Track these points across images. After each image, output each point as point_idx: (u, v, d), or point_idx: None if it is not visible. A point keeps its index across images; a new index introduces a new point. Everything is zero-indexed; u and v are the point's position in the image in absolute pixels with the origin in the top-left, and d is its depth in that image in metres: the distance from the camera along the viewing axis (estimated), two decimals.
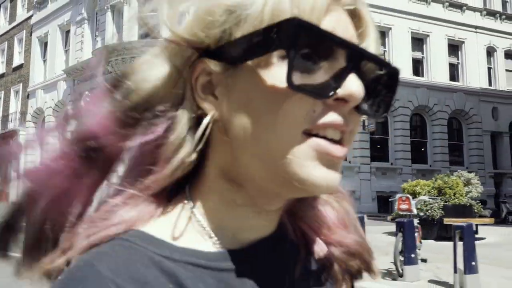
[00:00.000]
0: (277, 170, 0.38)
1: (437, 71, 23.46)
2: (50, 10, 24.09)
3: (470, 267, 4.93)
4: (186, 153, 0.41)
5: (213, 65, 0.40)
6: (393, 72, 0.43)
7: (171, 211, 0.43)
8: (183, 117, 0.41)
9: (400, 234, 5.59)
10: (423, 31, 23.47)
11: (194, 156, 0.41)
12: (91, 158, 0.42)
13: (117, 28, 19.21)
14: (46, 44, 24.27)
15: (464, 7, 24.85)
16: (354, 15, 0.42)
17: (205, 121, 0.40)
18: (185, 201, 0.43)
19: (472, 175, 11.58)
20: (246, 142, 0.39)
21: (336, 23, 0.39)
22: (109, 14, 19.27)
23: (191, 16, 0.41)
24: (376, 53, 0.42)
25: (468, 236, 4.97)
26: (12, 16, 28.31)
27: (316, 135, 0.38)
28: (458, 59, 24.71)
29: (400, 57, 22.54)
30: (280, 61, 0.37)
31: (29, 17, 25.94)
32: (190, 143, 0.41)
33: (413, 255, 5.45)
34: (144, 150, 0.41)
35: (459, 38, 24.40)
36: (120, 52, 17.97)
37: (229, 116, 0.40)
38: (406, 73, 22.56)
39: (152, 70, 0.42)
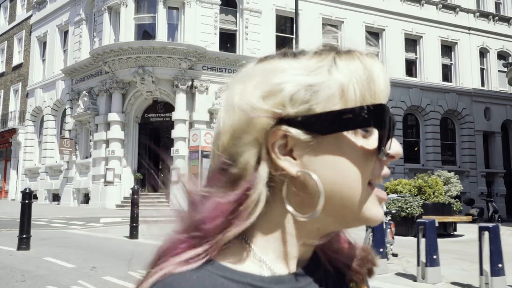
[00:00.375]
0: (346, 214, 0.48)
1: (430, 72, 23.79)
2: (49, 11, 24.40)
3: (431, 260, 5.29)
4: (262, 206, 0.47)
5: (295, 132, 0.46)
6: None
7: (231, 244, 0.48)
8: (262, 175, 0.46)
9: (370, 230, 5.97)
10: (416, 33, 23.79)
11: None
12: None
13: (114, 29, 19.54)
14: (45, 44, 24.59)
15: (458, 9, 25.15)
16: None
17: (314, 177, 0.47)
18: (242, 241, 0.49)
19: (451, 174, 11.91)
20: (331, 192, 0.47)
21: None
22: (106, 15, 19.58)
23: (276, 92, 0.46)
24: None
25: (430, 232, 5.33)
26: (12, 16, 28.63)
27: (374, 183, 0.49)
28: (451, 60, 25.03)
29: (393, 58, 22.84)
30: (365, 132, 0.47)
31: (29, 17, 26.24)
32: (265, 197, 0.47)
33: (381, 250, 5.82)
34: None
35: (452, 39, 24.72)
36: (117, 53, 18.30)
37: (310, 174, 0.47)
38: (399, 73, 22.89)
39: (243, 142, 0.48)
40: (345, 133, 0.47)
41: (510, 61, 22.95)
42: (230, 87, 0.50)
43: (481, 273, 4.91)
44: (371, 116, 0.46)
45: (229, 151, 0.48)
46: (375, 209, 0.49)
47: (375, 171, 0.49)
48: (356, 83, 0.47)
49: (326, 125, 0.46)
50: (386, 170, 0.50)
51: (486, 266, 4.82)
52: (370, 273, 0.59)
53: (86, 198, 19.89)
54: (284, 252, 0.50)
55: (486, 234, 4.86)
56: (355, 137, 0.47)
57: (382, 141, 0.47)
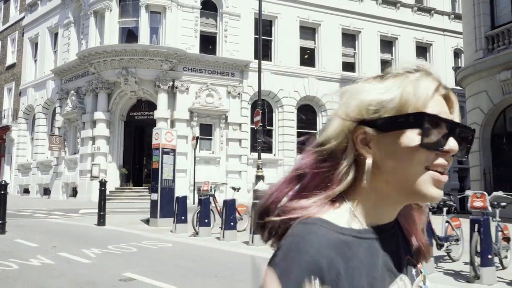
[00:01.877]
0: (403, 187, 0.67)
1: None
2: (40, 13, 25.49)
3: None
4: (350, 179, 0.68)
5: (370, 130, 0.67)
6: (472, 131, 0.70)
7: (338, 207, 0.68)
8: (348, 157, 0.68)
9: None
10: (392, 34, 24.84)
11: (351, 179, 0.68)
12: (300, 176, 0.72)
13: (99, 32, 20.62)
14: (36, 44, 25.69)
15: (433, 11, 26.16)
16: (446, 98, 0.70)
17: (369, 161, 0.67)
18: (345, 202, 0.69)
19: None
20: (389, 173, 0.67)
21: (439, 106, 0.68)
22: (92, 19, 20.66)
23: (357, 105, 0.68)
24: (460, 122, 0.69)
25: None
26: (6, 17, 29.73)
27: (432, 170, 0.66)
28: (426, 61, 26.04)
29: (369, 58, 23.93)
30: (412, 130, 0.65)
31: (21, 19, 27.34)
32: (352, 172, 0.68)
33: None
34: (323, 175, 0.69)
35: (427, 40, 25.74)
36: (102, 55, 19.39)
37: (380, 158, 0.67)
38: (374, 74, 23.79)
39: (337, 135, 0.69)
40: (406, 131, 0.65)
41: (459, 65, 23.98)
42: (339, 98, 0.72)
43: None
44: (415, 120, 0.64)
45: (329, 140, 0.69)
46: (428, 188, 0.66)
47: (429, 159, 0.65)
48: (408, 97, 0.65)
49: (387, 126, 0.66)
50: (441, 161, 0.66)
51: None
52: (424, 259, 0.80)
53: (74, 192, 21.04)
54: (374, 213, 0.70)
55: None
56: (411, 135, 0.65)
57: (425, 138, 0.64)
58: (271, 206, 0.71)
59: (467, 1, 14.23)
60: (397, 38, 25.02)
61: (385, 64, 24.91)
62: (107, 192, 19.84)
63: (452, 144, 0.65)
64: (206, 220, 8.76)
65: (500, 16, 13.26)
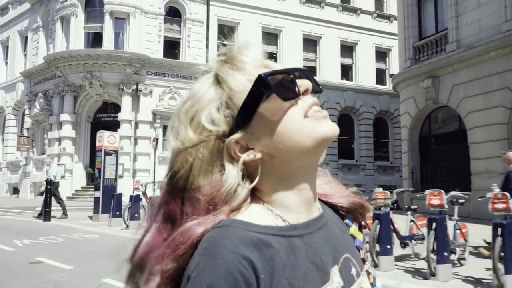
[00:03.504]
0: (304, 147, 0.63)
1: (364, 76, 26.04)
2: (11, 17, 26.12)
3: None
4: (244, 191, 0.62)
5: (237, 137, 0.63)
6: (304, 69, 0.68)
7: (250, 207, 0.63)
8: (230, 175, 0.61)
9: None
10: (352, 40, 26.01)
11: (249, 185, 0.63)
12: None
13: (65, 36, 21.39)
14: (7, 47, 26.34)
15: (392, 18, 27.39)
16: (267, 67, 0.68)
17: (258, 156, 0.63)
18: (260, 202, 0.64)
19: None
20: (281, 150, 0.63)
21: (270, 65, 0.68)
22: (58, 24, 21.42)
23: (206, 122, 0.63)
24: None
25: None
26: None
27: (309, 115, 0.64)
28: (386, 65, 27.29)
29: (330, 63, 25.07)
30: (267, 99, 0.62)
31: None
32: (240, 184, 0.62)
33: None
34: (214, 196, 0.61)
35: (386, 46, 26.94)
36: (67, 59, 20.19)
37: (265, 146, 0.63)
38: (335, 78, 25.06)
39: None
40: (264, 104, 0.62)
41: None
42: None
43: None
44: (261, 88, 0.62)
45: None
46: (320, 128, 0.63)
47: (299, 108, 0.63)
48: (239, 81, 0.64)
49: (242, 119, 0.63)
50: (308, 101, 0.65)
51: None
52: (362, 216, 0.77)
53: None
54: (293, 207, 0.65)
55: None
56: (270, 103, 0.62)
57: (282, 94, 0.62)
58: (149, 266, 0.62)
59: (400, 14, 15.42)
60: (357, 43, 26.15)
61: (346, 68, 26.09)
62: (73, 191, 20.96)
63: (304, 83, 0.65)
64: (136, 215, 9.74)
65: (427, 28, 14.45)
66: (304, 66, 18.30)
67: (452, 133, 13.46)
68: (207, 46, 21.75)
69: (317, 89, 0.67)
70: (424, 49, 14.03)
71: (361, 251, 0.75)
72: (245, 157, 0.63)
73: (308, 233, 0.64)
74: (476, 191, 10.95)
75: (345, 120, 26.03)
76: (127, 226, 9.87)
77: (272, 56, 24.25)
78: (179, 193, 0.63)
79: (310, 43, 25.23)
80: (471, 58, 12.14)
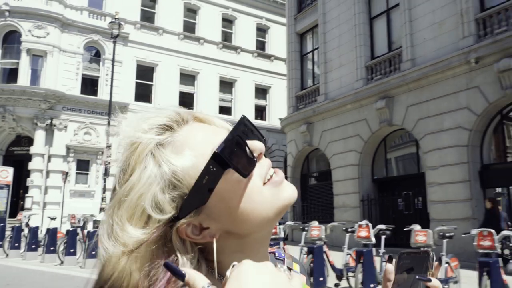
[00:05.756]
0: (269, 211, 0.58)
1: (276, 116, 28.34)
2: None
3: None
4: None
5: (189, 219, 0.55)
6: (244, 120, 0.60)
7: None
8: (186, 263, 0.54)
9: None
10: (266, 84, 28.43)
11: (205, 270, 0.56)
12: None
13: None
14: None
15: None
16: (202, 121, 0.63)
17: (216, 235, 0.57)
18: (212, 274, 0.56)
19: None
20: (242, 222, 0.57)
21: (209, 133, 0.60)
22: None
23: (152, 211, 0.54)
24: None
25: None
26: None
27: (267, 181, 0.58)
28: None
29: (245, 104, 27.15)
30: (222, 173, 0.54)
31: None
32: (204, 266, 0.56)
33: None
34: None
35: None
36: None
37: (222, 223, 0.56)
38: (250, 117, 26.88)
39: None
40: (220, 180, 0.54)
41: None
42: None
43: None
44: (215, 170, 0.54)
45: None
46: (281, 195, 0.59)
47: (257, 177, 0.57)
48: (189, 160, 0.57)
49: (195, 201, 0.55)
50: (264, 166, 0.59)
51: None
52: None
53: None
54: None
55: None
56: (225, 178, 0.55)
57: (237, 166, 0.54)
58: None
59: (287, 67, 17.69)
60: (270, 87, 28.57)
61: (260, 108, 28.29)
62: None
63: (256, 146, 0.59)
64: (72, 250, 9.96)
65: (307, 81, 16.78)
66: (220, 106, 20.28)
67: (323, 172, 15.60)
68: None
69: (264, 143, 0.62)
70: (303, 99, 16.30)
71: None
72: (200, 239, 0.57)
73: None
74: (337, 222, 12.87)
75: None
76: (62, 262, 9.78)
77: (190, 96, 26.00)
78: None
79: (226, 85, 27.24)
80: (334, 109, 14.44)
